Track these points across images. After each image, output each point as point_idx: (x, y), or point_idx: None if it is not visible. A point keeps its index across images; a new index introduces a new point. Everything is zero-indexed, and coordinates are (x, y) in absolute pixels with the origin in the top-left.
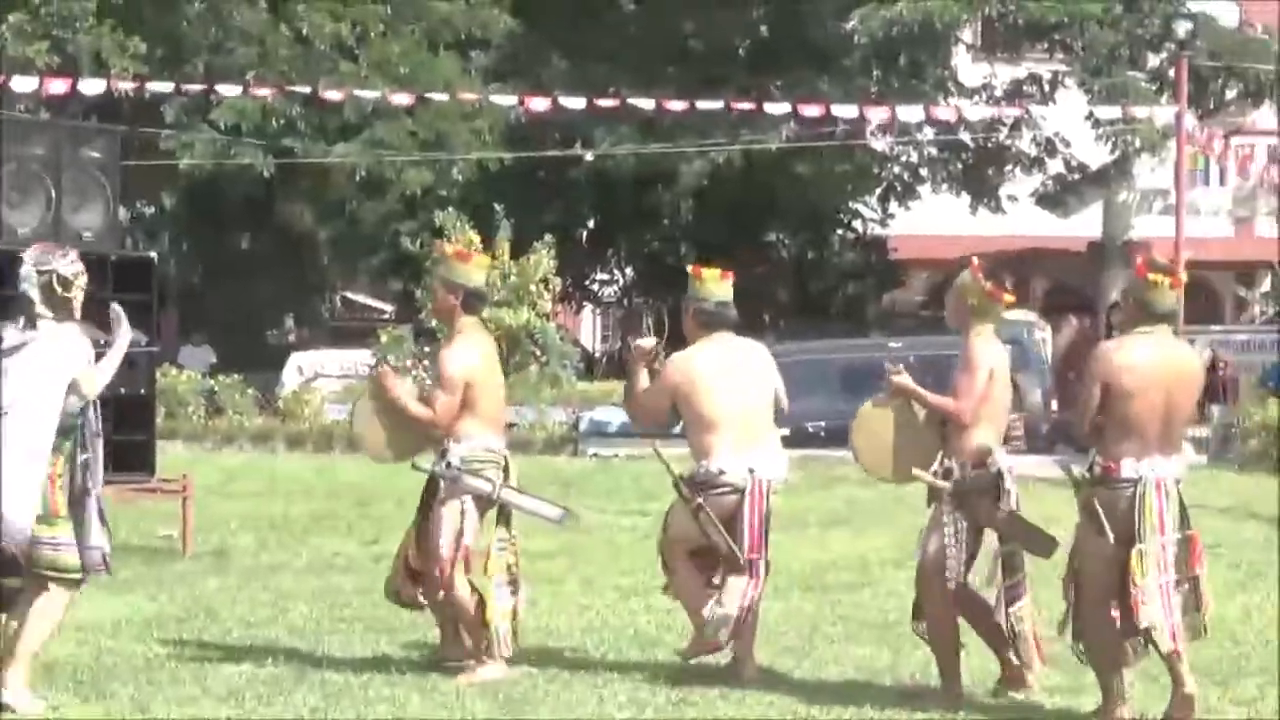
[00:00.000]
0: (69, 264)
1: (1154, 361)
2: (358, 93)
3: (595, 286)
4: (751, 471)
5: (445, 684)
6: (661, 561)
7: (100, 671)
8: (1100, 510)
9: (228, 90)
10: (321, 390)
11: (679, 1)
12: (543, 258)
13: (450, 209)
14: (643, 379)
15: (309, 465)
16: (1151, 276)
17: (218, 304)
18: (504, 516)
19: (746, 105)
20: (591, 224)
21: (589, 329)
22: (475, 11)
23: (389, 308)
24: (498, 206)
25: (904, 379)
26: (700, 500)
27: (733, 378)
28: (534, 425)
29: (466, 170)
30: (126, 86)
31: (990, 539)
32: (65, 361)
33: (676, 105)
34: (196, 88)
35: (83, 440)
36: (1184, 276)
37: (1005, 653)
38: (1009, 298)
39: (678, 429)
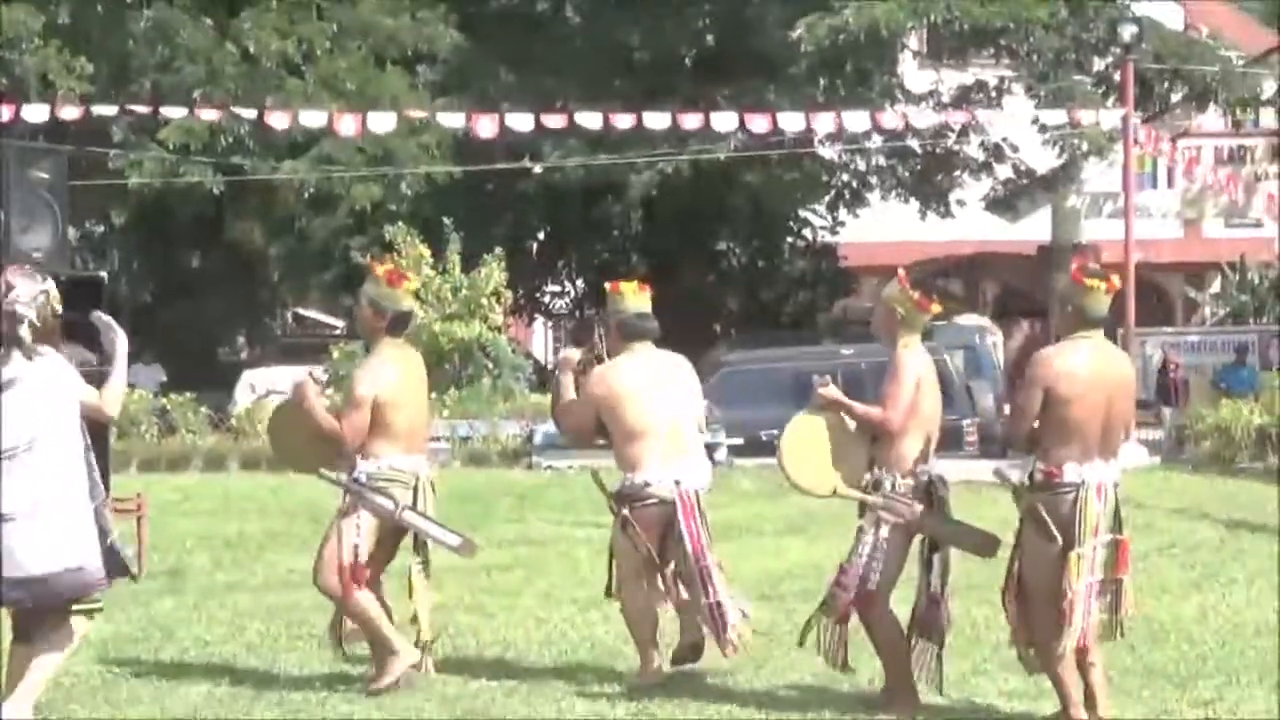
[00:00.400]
0: (52, 288)
1: (1093, 366)
2: (304, 113)
3: (546, 298)
4: (678, 483)
5: (404, 700)
6: (612, 583)
7: (58, 693)
8: (1046, 515)
9: (173, 112)
10: (272, 407)
11: (625, 13)
12: (493, 270)
13: (400, 223)
14: (569, 390)
15: (263, 484)
16: (1088, 281)
17: (169, 322)
18: (417, 540)
19: (694, 119)
20: (541, 236)
21: (541, 341)
22: (421, 27)
23: (340, 323)
24: (447, 220)
25: (831, 390)
26: (626, 513)
27: (657, 389)
28: (487, 438)
29: (415, 184)
30: (72, 114)
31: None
32: (73, 389)
33: (624, 120)
34: (143, 109)
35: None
36: (1117, 281)
37: (896, 673)
38: (936, 307)
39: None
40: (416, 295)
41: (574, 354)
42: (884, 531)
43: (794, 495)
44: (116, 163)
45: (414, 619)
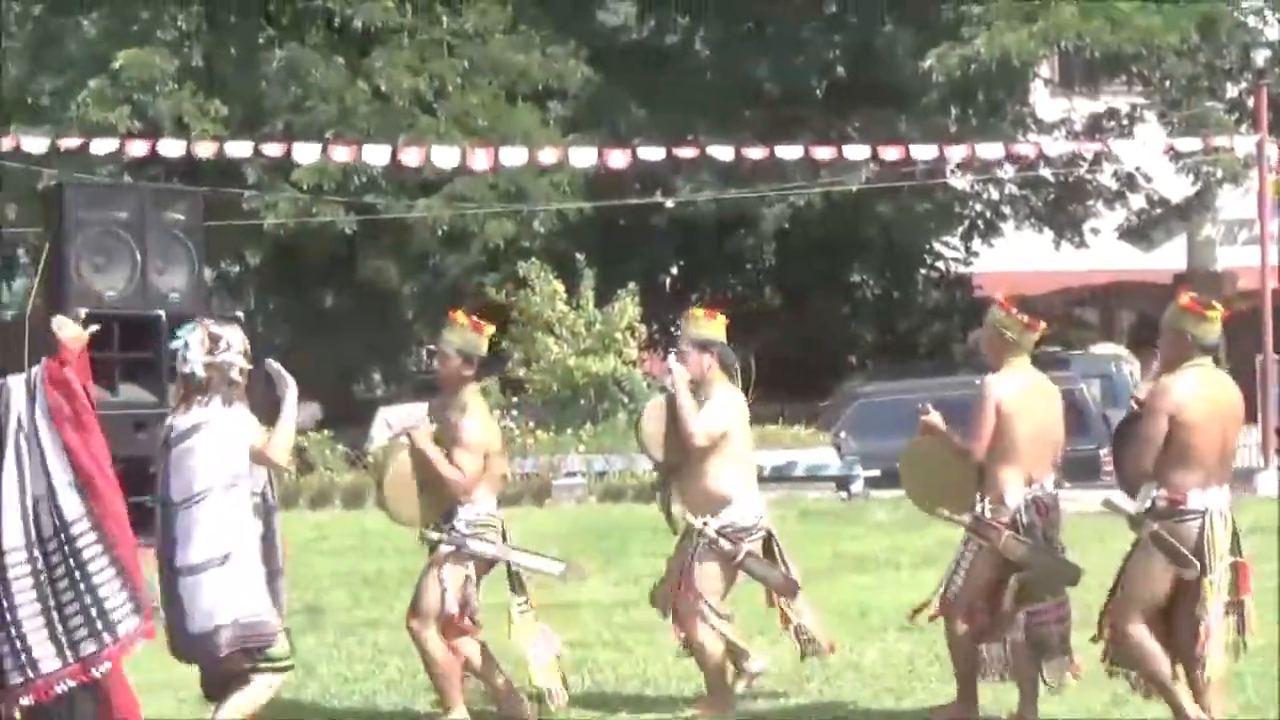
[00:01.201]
0: (239, 336)
1: (1210, 394)
2: (437, 149)
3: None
4: (760, 517)
5: None
6: (674, 615)
7: None
8: (1175, 542)
9: (305, 155)
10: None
11: (754, 45)
12: (627, 305)
13: (533, 259)
14: (693, 405)
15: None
16: (1207, 311)
17: (305, 361)
18: (515, 579)
19: (826, 151)
20: (675, 270)
21: None
22: (552, 62)
23: None
24: (580, 255)
25: (931, 418)
26: (748, 547)
27: (747, 423)
28: (623, 473)
29: (548, 220)
30: (206, 152)
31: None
32: (246, 437)
33: (755, 153)
34: (276, 150)
35: (266, 518)
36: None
37: (968, 692)
38: (1043, 326)
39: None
40: (552, 331)
41: (683, 368)
42: (971, 550)
43: (931, 526)
44: (251, 203)
45: (521, 664)
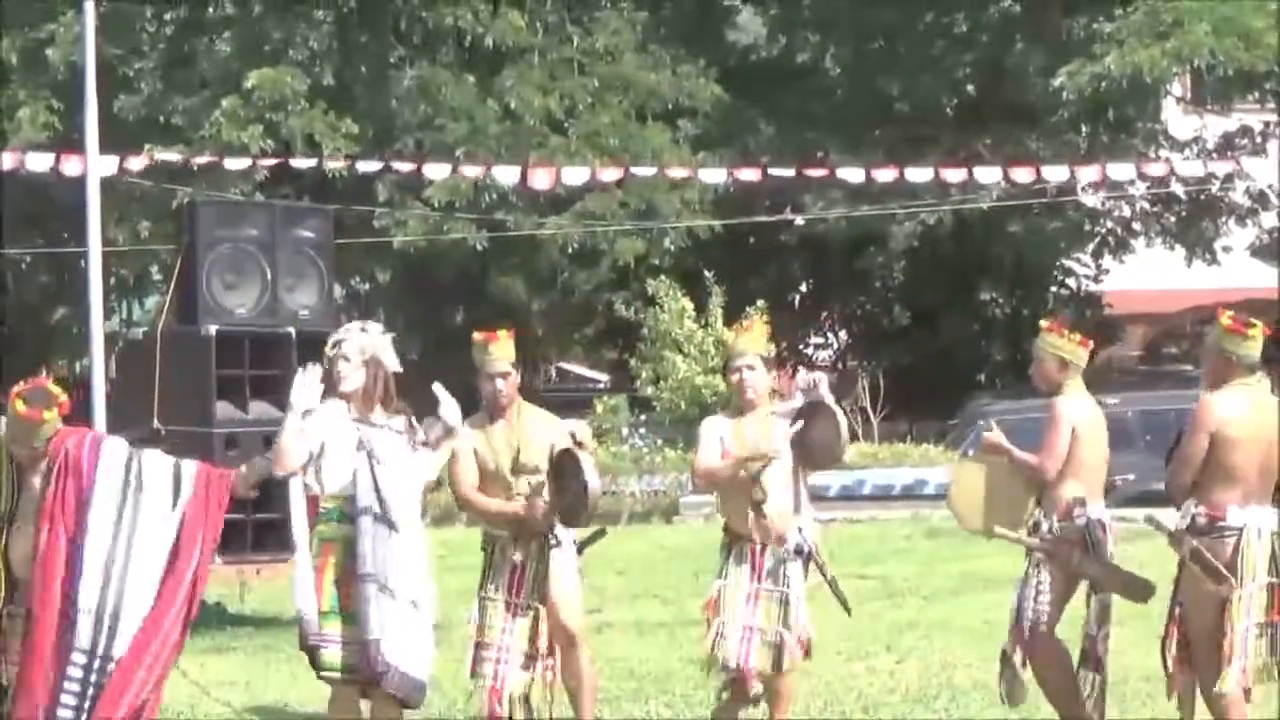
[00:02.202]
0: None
1: (1253, 412)
2: (567, 170)
3: (809, 350)
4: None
5: None
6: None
7: None
8: (1211, 558)
9: (436, 173)
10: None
11: (885, 63)
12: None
13: (662, 277)
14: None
15: None
16: (1249, 330)
17: (435, 378)
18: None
19: (956, 174)
20: (804, 288)
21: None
22: (682, 81)
23: (604, 377)
24: (709, 273)
25: (995, 435)
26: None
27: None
28: None
29: (678, 238)
30: (337, 166)
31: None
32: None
33: (885, 175)
34: (406, 167)
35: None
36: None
37: (1066, 713)
38: (1089, 345)
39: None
40: (680, 349)
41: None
42: (1044, 574)
43: None
44: (381, 221)
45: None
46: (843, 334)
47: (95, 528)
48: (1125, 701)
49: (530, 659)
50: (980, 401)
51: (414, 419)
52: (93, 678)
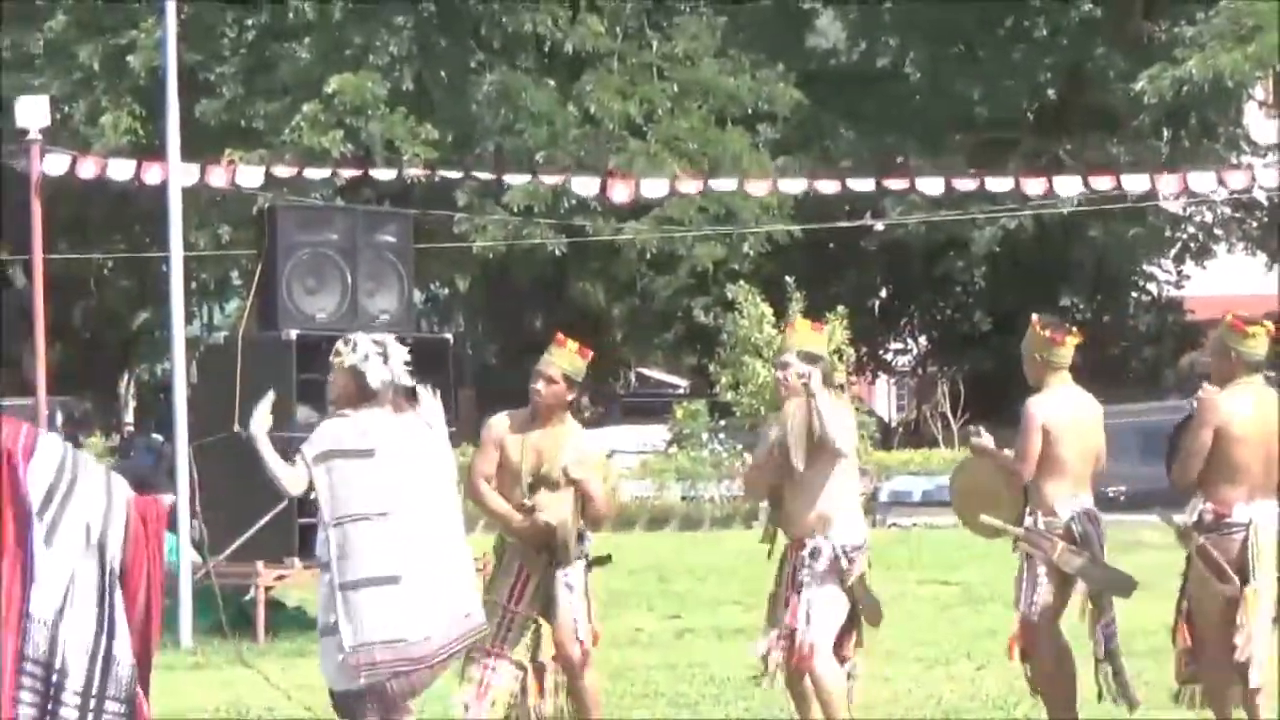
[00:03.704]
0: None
1: (1257, 410)
2: (645, 182)
3: (889, 356)
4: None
5: None
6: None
7: None
8: (1218, 556)
9: (516, 180)
10: (618, 467)
11: (965, 68)
12: (835, 328)
13: (742, 282)
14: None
15: (608, 541)
16: (1248, 329)
17: (513, 383)
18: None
19: (1036, 184)
20: (884, 293)
21: (884, 398)
22: (762, 86)
23: (683, 383)
24: (789, 278)
25: (982, 440)
26: (859, 570)
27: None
28: None
29: (757, 243)
30: (415, 171)
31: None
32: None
33: (966, 185)
34: (486, 175)
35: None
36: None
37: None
38: (1072, 339)
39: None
40: (760, 354)
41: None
42: (1038, 567)
43: (1144, 548)
44: (461, 226)
45: None
46: (923, 339)
47: (38, 532)
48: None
49: (521, 669)
50: None
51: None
52: (52, 690)
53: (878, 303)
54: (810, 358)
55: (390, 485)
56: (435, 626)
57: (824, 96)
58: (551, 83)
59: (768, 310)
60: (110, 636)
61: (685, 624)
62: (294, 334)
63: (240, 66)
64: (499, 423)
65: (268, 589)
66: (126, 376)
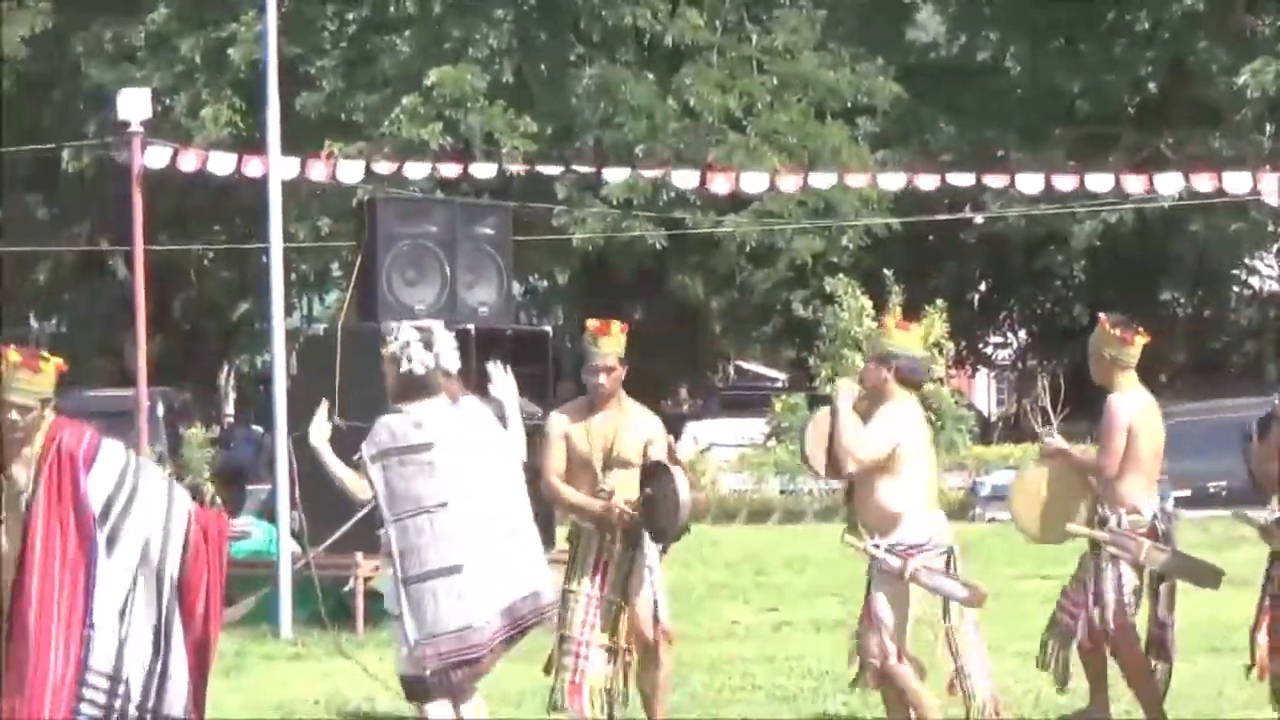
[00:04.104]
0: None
1: None
2: (745, 176)
3: (989, 349)
4: (944, 530)
5: None
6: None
7: None
8: None
9: (615, 175)
10: (716, 460)
11: (1065, 62)
12: (935, 321)
13: (841, 275)
14: (856, 422)
15: (705, 535)
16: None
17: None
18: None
19: (1136, 181)
20: (984, 287)
21: (984, 392)
22: (861, 79)
23: (782, 376)
24: (888, 271)
25: (1056, 441)
26: (917, 562)
27: (926, 438)
28: None
29: (856, 236)
30: (514, 165)
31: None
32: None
33: (1065, 183)
34: (586, 169)
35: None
36: None
37: (1151, 700)
38: (1140, 339)
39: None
40: (859, 348)
41: (854, 385)
42: (1122, 567)
43: (1241, 546)
44: (560, 219)
45: None
46: (1022, 333)
47: (100, 540)
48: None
49: (612, 653)
50: (1161, 402)
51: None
52: (117, 704)
53: (977, 296)
54: (881, 358)
55: (449, 475)
56: (498, 609)
57: (924, 90)
58: (651, 76)
59: (867, 303)
60: (167, 652)
61: (783, 617)
62: (392, 325)
63: (340, 59)
64: (559, 420)
65: (367, 580)
66: (226, 368)
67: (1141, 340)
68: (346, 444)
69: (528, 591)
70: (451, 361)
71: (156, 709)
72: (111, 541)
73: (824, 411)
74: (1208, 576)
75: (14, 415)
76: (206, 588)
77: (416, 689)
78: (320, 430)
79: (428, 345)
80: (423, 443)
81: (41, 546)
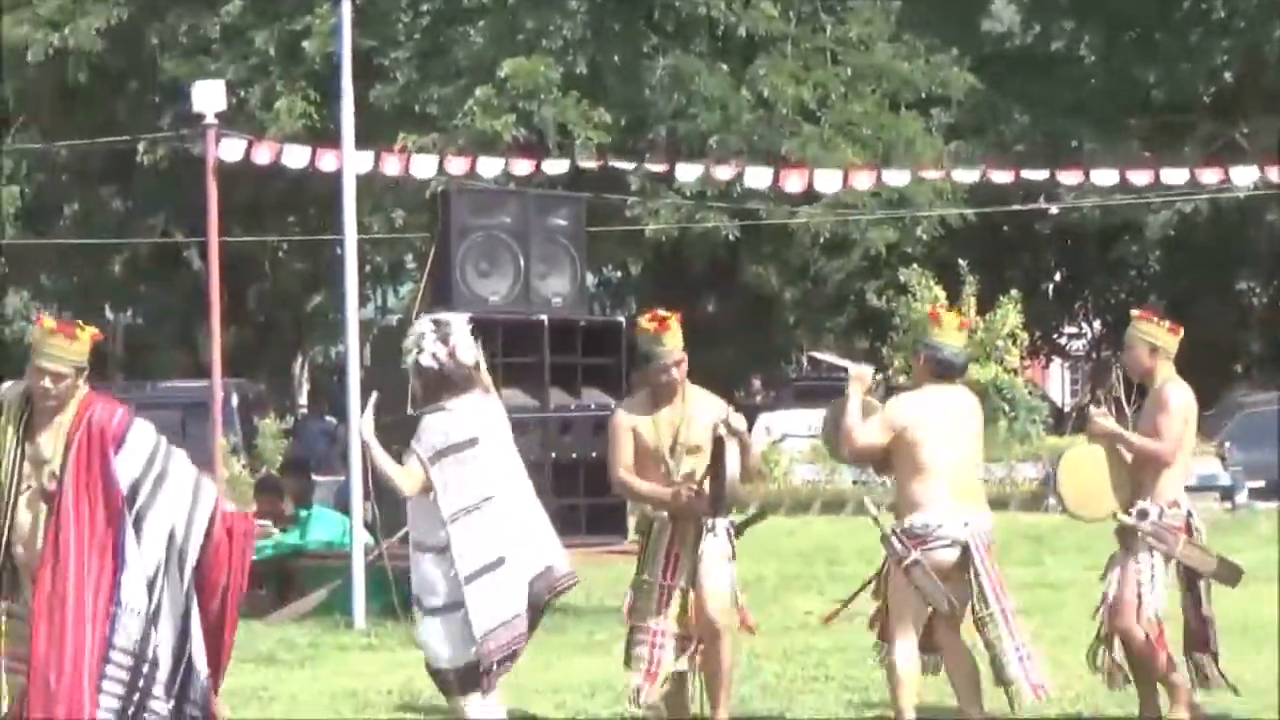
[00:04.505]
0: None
1: None
2: (819, 173)
3: (1063, 340)
4: (966, 525)
5: None
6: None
7: None
8: None
9: (688, 173)
10: (790, 451)
11: (1141, 52)
12: (1009, 312)
13: (915, 266)
14: (858, 410)
15: (779, 526)
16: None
17: (689, 366)
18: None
19: (1212, 175)
20: (1058, 277)
21: (1057, 383)
22: (935, 70)
23: None
24: (962, 262)
25: (1107, 422)
26: (916, 556)
27: (954, 428)
28: (1004, 481)
29: (930, 227)
30: (590, 164)
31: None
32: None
33: (1140, 178)
34: (658, 168)
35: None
36: None
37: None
38: (1170, 326)
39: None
40: None
41: (868, 370)
42: (1157, 559)
43: None
44: (633, 210)
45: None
46: (1097, 323)
47: (128, 520)
48: None
49: (684, 641)
50: (1238, 392)
51: None
52: (140, 683)
53: (1052, 286)
54: (914, 348)
55: (492, 469)
56: (526, 593)
57: (998, 80)
58: (725, 67)
59: (941, 294)
60: (190, 643)
61: (856, 609)
62: (466, 316)
63: (414, 51)
64: (624, 415)
65: None
66: (300, 359)
67: (1180, 332)
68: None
69: (541, 568)
70: (468, 355)
71: (182, 696)
72: (139, 523)
73: (841, 400)
74: (1231, 574)
75: (47, 382)
76: (224, 587)
77: (453, 680)
78: (370, 424)
79: (444, 339)
80: (468, 439)
81: (74, 519)
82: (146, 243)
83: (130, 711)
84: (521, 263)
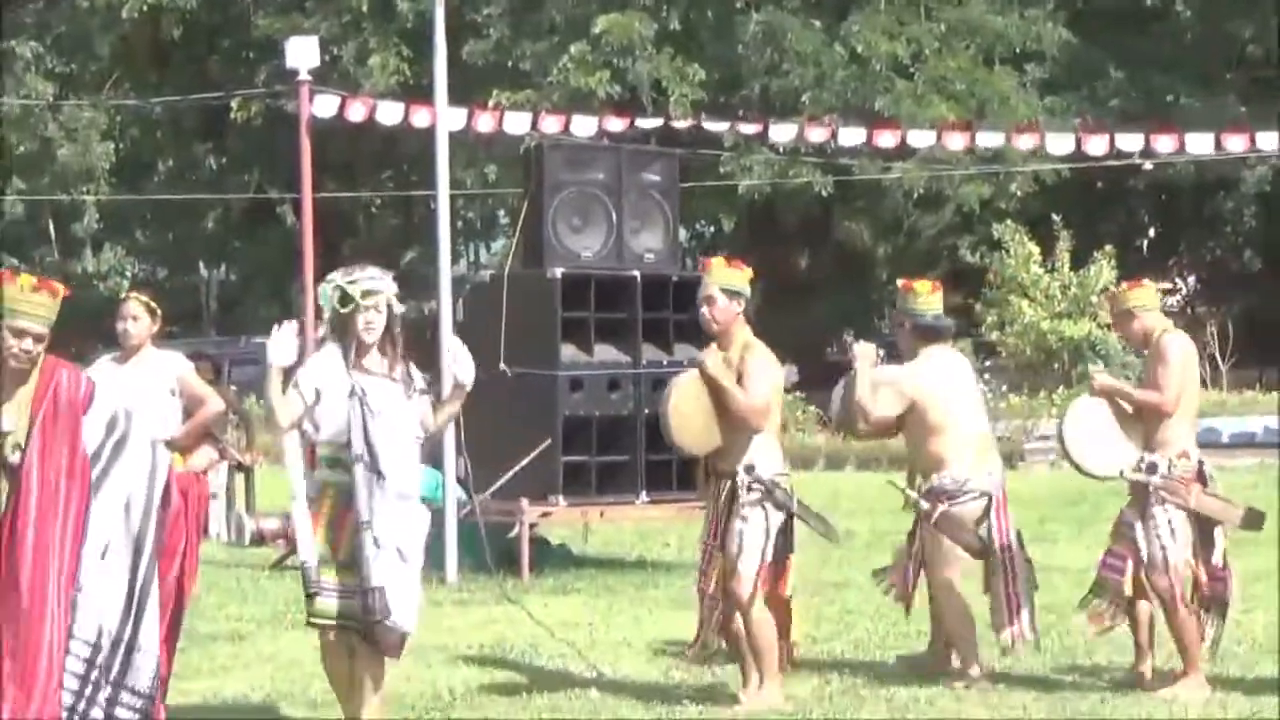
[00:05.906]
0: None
1: None
2: (912, 133)
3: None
4: (990, 474)
5: (1013, 696)
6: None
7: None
8: None
9: (782, 134)
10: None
11: (1237, 6)
12: (1103, 268)
13: (1008, 222)
14: (867, 385)
15: (872, 482)
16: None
17: (778, 323)
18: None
19: None
20: (1152, 233)
21: None
22: (1030, 25)
23: (948, 322)
24: (1056, 218)
25: (1105, 378)
26: (945, 508)
27: (964, 388)
28: None
29: (1024, 183)
30: (683, 125)
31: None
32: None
33: (1236, 144)
34: (751, 129)
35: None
36: None
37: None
38: (1149, 283)
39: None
40: (1026, 294)
41: (871, 347)
42: (1172, 513)
43: None
44: (726, 166)
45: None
46: (1191, 279)
47: (94, 492)
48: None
49: (716, 601)
50: None
51: (411, 368)
52: (94, 675)
53: (1145, 242)
54: (897, 318)
55: None
56: None
57: (1092, 36)
58: (818, 23)
59: (1034, 249)
60: (139, 620)
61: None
62: (559, 272)
63: (507, 7)
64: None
65: (532, 526)
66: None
67: (1153, 285)
68: (513, 390)
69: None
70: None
71: (120, 681)
72: (94, 492)
73: (851, 375)
74: (1254, 520)
75: (28, 344)
76: (182, 554)
77: None
78: (280, 349)
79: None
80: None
81: (37, 500)
82: (240, 199)
83: (81, 707)
84: (614, 218)
